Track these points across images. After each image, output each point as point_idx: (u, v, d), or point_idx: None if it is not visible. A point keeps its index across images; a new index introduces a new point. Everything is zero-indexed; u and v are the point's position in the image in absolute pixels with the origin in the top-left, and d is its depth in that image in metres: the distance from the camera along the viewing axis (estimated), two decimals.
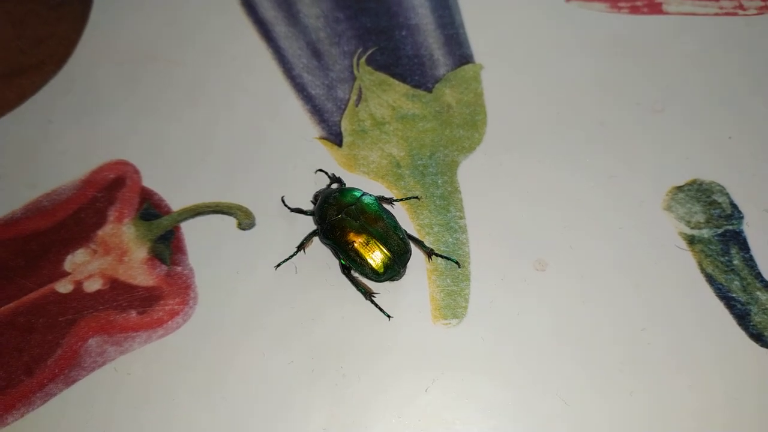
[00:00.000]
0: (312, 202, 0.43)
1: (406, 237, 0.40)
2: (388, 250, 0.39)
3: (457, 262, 0.41)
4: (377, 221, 0.40)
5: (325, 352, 0.39)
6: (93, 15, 0.52)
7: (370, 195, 0.41)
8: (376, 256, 0.39)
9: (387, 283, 0.41)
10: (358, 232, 0.39)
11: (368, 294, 0.40)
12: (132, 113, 0.48)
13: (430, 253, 0.41)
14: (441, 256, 0.41)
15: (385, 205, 0.43)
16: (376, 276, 0.39)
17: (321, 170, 0.45)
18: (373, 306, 0.40)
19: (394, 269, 0.39)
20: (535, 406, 0.37)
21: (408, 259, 0.40)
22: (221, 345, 0.39)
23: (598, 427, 0.37)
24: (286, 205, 0.43)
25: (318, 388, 0.38)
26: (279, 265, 0.42)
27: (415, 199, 0.44)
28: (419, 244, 0.41)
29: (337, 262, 0.41)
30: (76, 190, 0.45)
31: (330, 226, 0.40)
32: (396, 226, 0.40)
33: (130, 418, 0.38)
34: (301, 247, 0.42)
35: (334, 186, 0.43)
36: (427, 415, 0.37)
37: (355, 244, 0.39)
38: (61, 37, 0.52)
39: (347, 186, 0.43)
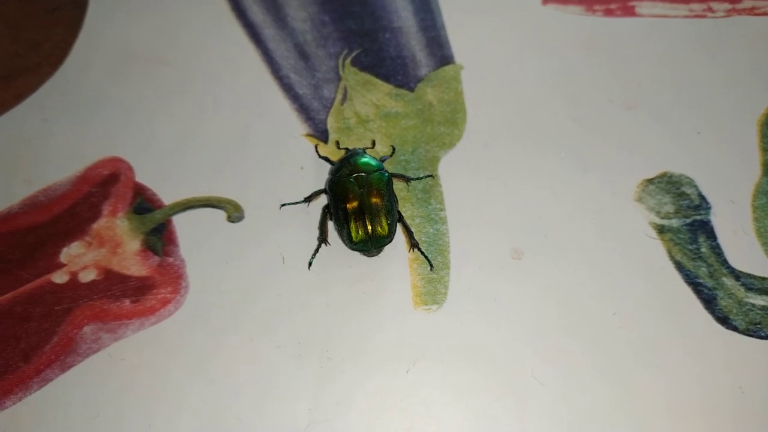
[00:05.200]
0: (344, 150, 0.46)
1: (395, 224, 0.42)
2: (371, 228, 0.41)
3: (431, 265, 0.43)
4: (376, 198, 0.42)
5: (311, 336, 0.41)
6: (88, 19, 0.54)
7: (386, 173, 0.43)
8: (357, 227, 0.41)
9: (371, 270, 0.43)
10: (354, 199, 0.42)
11: (321, 240, 0.43)
12: (126, 113, 0.49)
13: (413, 245, 0.43)
14: (422, 252, 0.43)
15: (402, 183, 0.45)
16: (349, 242, 0.41)
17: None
18: (359, 294, 0.42)
19: (366, 246, 0.41)
20: (511, 387, 0.39)
21: (384, 244, 0.42)
22: (211, 331, 0.41)
23: (572, 405, 0.38)
24: (318, 153, 0.46)
25: (304, 371, 0.40)
26: (284, 205, 0.45)
27: (429, 179, 0.46)
28: (409, 234, 0.43)
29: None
30: (71, 186, 0.47)
31: (337, 180, 0.42)
32: (390, 211, 0.42)
33: (124, 401, 0.39)
34: (309, 199, 0.44)
35: (366, 150, 0.45)
36: (407, 396, 0.39)
37: (347, 207, 0.41)
38: (56, 40, 0.53)
39: (385, 160, 0.46)
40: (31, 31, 0.54)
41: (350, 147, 0.46)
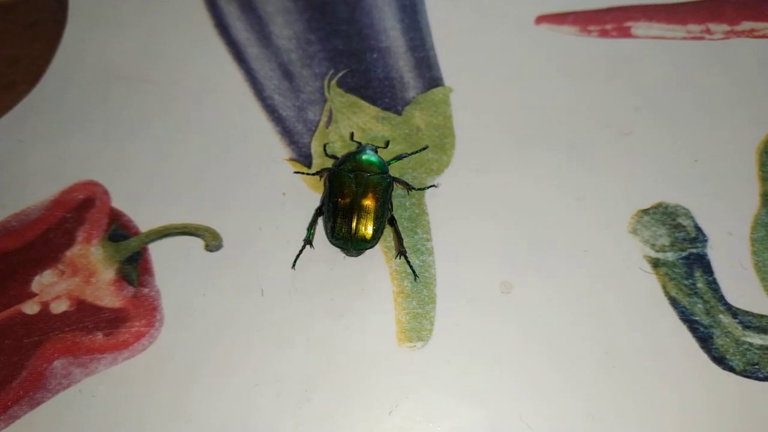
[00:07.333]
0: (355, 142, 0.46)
1: (380, 231, 0.41)
2: (355, 228, 0.40)
3: (416, 275, 0.41)
4: (369, 200, 0.41)
5: (291, 374, 0.39)
6: (66, 35, 0.52)
7: (388, 178, 0.42)
8: (341, 223, 0.41)
9: (355, 304, 0.41)
10: (348, 196, 0.41)
11: (307, 241, 0.42)
12: (103, 134, 0.48)
13: (401, 252, 0.42)
14: (407, 261, 0.41)
15: (403, 190, 0.44)
16: (330, 236, 0.41)
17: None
18: (342, 330, 0.40)
19: (346, 244, 0.41)
20: (497, 430, 0.37)
21: (365, 248, 0.41)
22: (187, 367, 0.39)
23: None
24: (326, 152, 0.46)
25: (283, 411, 0.38)
26: (296, 172, 0.45)
27: (432, 188, 0.45)
28: (399, 240, 0.42)
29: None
30: (45, 211, 0.45)
31: (337, 173, 0.42)
32: (380, 217, 0.41)
33: None
34: (320, 173, 0.45)
35: (377, 149, 0.44)
36: None
37: (338, 200, 0.41)
38: (34, 56, 0.52)
39: (391, 163, 0.45)
40: (7, 47, 0.52)
41: (363, 142, 0.45)
